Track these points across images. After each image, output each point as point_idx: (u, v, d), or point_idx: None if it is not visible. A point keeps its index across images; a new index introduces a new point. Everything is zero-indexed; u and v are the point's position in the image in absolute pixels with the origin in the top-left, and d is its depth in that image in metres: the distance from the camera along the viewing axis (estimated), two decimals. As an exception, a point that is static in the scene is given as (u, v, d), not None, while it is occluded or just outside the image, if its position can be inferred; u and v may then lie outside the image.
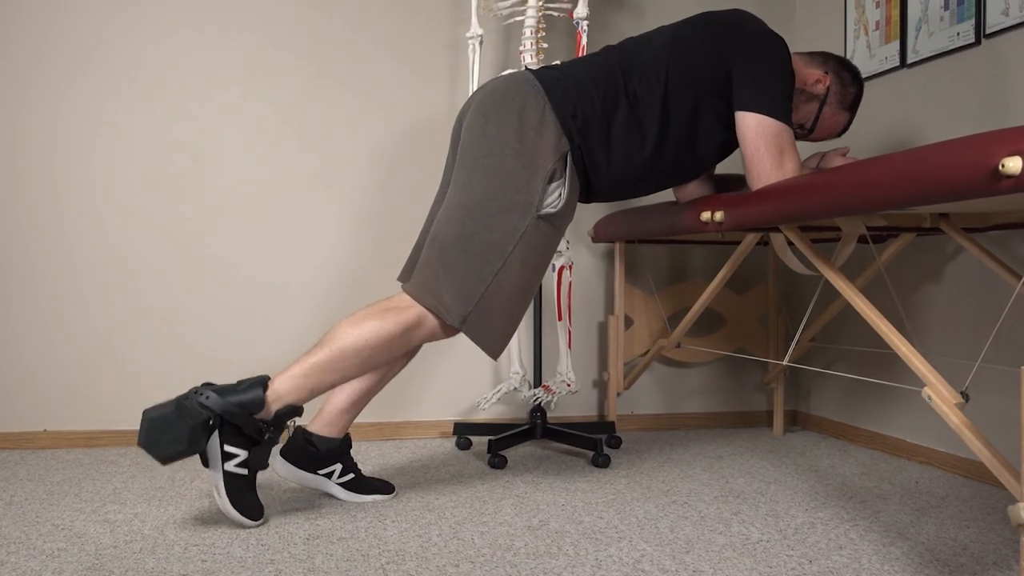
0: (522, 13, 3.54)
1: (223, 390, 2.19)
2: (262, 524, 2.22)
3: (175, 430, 2.12)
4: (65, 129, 3.18)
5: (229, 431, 2.18)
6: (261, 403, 2.19)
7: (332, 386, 2.29)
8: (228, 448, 2.18)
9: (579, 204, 3.56)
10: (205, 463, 2.20)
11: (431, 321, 2.30)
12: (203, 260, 3.27)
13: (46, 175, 3.17)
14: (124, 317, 3.22)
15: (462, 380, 3.50)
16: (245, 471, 2.21)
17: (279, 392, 2.23)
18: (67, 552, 2.00)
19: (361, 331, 2.25)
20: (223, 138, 3.30)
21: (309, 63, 3.37)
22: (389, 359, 2.32)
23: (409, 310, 2.28)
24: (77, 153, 3.19)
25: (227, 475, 2.18)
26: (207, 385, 2.20)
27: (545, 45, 3.06)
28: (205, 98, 3.29)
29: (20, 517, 2.29)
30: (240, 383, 2.22)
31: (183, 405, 2.14)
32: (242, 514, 2.19)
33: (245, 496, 2.21)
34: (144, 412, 2.14)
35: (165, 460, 2.12)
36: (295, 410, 2.25)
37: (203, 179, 3.28)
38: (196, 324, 3.27)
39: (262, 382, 2.22)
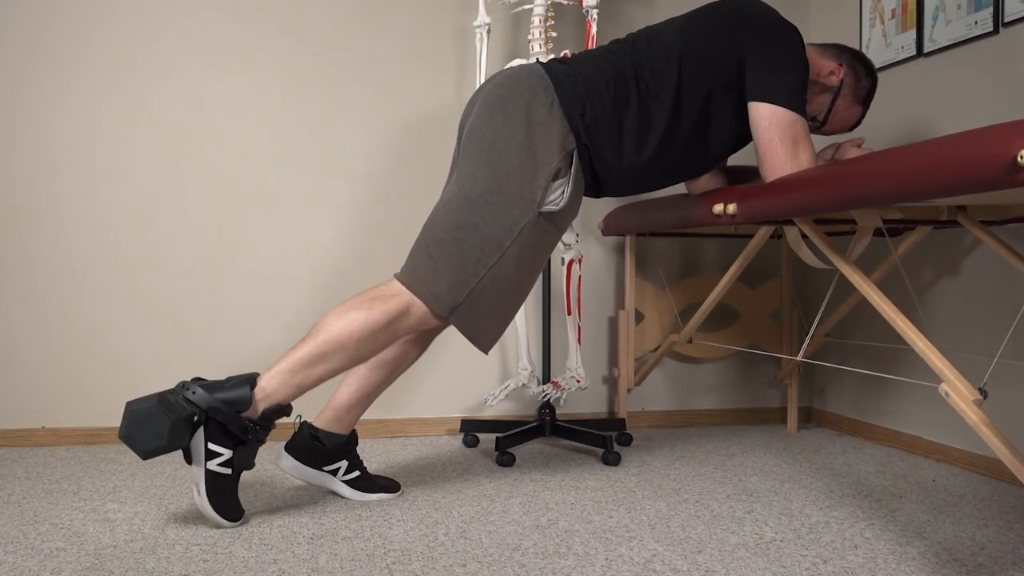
0: (530, 1, 3.50)
1: (210, 386, 2.16)
2: (240, 525, 2.19)
3: (156, 424, 2.08)
4: (63, 121, 3.16)
5: (214, 429, 2.15)
6: (248, 401, 2.16)
7: (320, 381, 2.25)
8: (212, 446, 2.15)
9: (589, 198, 3.53)
10: (188, 460, 2.17)
11: (419, 309, 2.27)
12: (204, 253, 3.25)
13: (44, 169, 3.14)
14: (124, 312, 3.20)
15: (469, 376, 3.46)
16: (229, 471, 2.18)
17: (266, 390, 2.20)
18: (66, 551, 1.98)
19: (346, 322, 2.22)
20: (225, 128, 3.27)
21: (312, 50, 3.34)
22: (377, 349, 2.29)
23: (396, 298, 2.26)
24: (75, 146, 3.16)
25: (209, 474, 2.16)
26: (196, 380, 2.18)
27: (554, 34, 3.02)
28: (206, 87, 3.26)
29: (18, 516, 2.27)
30: (228, 380, 2.19)
31: (167, 399, 2.11)
32: (220, 514, 2.16)
33: (225, 496, 2.18)
34: (127, 404, 2.12)
35: (145, 454, 2.09)
36: (283, 409, 2.23)
37: (204, 171, 3.25)
38: (197, 318, 3.25)
39: (250, 380, 2.19)
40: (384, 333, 2.25)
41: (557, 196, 2.29)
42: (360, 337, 2.22)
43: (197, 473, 2.16)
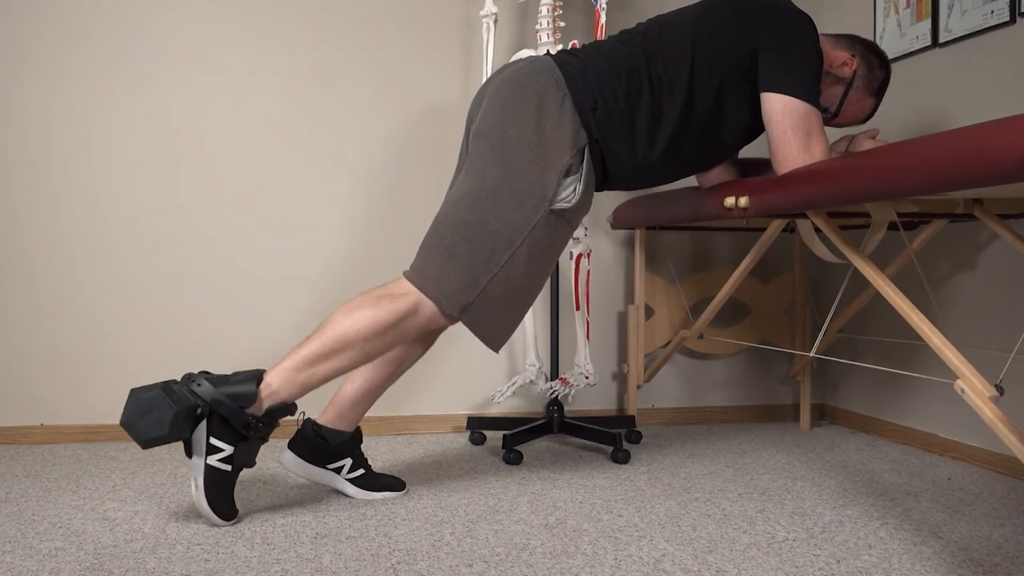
0: (539, -8, 3.48)
1: (216, 380, 2.15)
2: (234, 523, 2.17)
3: (159, 413, 2.07)
4: (59, 116, 3.13)
5: (217, 423, 2.14)
6: (253, 397, 2.14)
7: (326, 379, 2.23)
8: (214, 441, 2.14)
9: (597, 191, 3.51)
10: (188, 453, 2.16)
11: (428, 309, 2.25)
12: (205, 250, 3.22)
13: (41, 164, 3.12)
14: (124, 308, 3.18)
15: (476, 373, 3.44)
16: (228, 467, 2.17)
17: (272, 386, 2.18)
18: (65, 551, 1.97)
19: (353, 320, 2.20)
20: (226, 121, 3.24)
21: (315, 40, 3.31)
22: (384, 349, 2.26)
23: (405, 297, 2.23)
24: (73, 140, 3.14)
25: (208, 469, 2.14)
26: (202, 373, 2.17)
27: (562, 24, 2.99)
28: (207, 77, 3.23)
29: (16, 515, 2.25)
30: (235, 375, 2.18)
31: (171, 389, 2.10)
32: (216, 512, 2.14)
33: (223, 493, 2.17)
34: (132, 391, 2.10)
35: (145, 443, 2.07)
36: (288, 407, 2.21)
37: (205, 165, 3.23)
38: (198, 315, 3.23)
39: (256, 376, 2.17)
40: (392, 332, 2.23)
41: (569, 193, 2.27)
42: (367, 336, 2.20)
43: (196, 467, 2.14)
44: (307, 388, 2.21)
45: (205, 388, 2.12)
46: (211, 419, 2.13)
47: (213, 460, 2.14)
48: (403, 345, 2.42)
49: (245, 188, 3.25)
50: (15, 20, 3.10)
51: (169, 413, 2.06)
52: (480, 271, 2.21)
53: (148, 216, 3.19)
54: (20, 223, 3.11)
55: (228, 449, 2.15)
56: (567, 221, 2.29)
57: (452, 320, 2.28)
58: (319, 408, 3.21)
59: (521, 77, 2.30)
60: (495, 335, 2.29)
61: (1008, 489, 2.57)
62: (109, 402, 3.17)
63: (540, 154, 2.23)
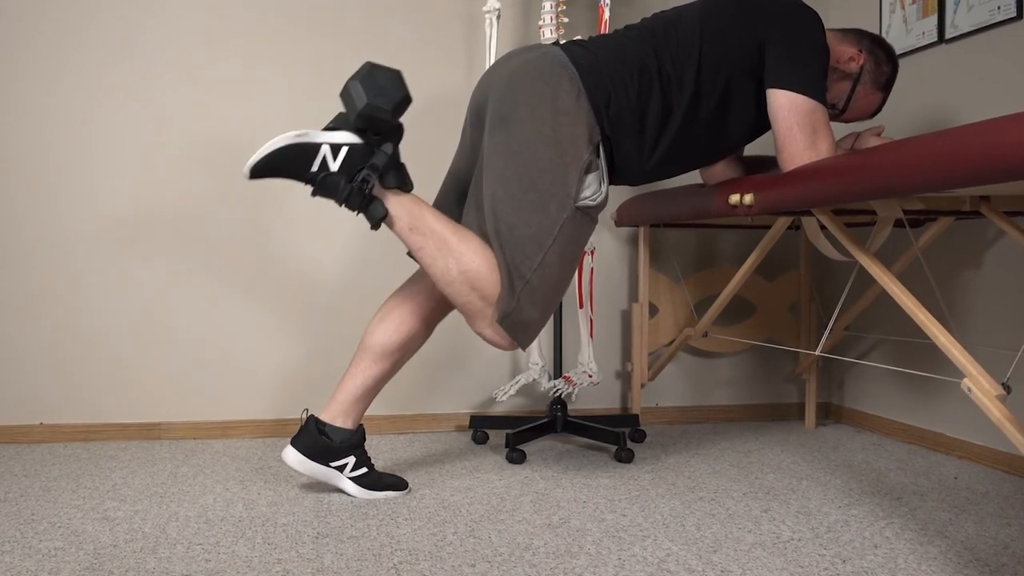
0: (542, -11, 3.46)
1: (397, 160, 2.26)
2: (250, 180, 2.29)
3: (397, 91, 2.19)
4: (59, 111, 3.12)
5: (364, 152, 2.22)
6: (390, 183, 2.24)
7: (415, 240, 2.25)
8: (345, 152, 2.21)
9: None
10: (339, 127, 2.24)
11: (490, 310, 2.25)
12: (203, 247, 3.21)
13: (40, 161, 3.11)
14: (122, 307, 3.17)
15: (479, 371, 3.43)
16: (314, 171, 2.19)
17: (391, 199, 2.25)
18: (64, 551, 1.96)
19: (475, 252, 2.23)
20: (226, 116, 3.23)
21: (317, 36, 3.30)
22: (447, 278, 2.24)
23: (497, 283, 2.24)
24: (72, 137, 3.13)
25: (312, 147, 2.19)
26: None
27: (566, 20, 2.98)
28: (207, 72, 3.22)
29: (15, 515, 2.25)
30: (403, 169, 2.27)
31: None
32: (266, 149, 2.17)
33: (285, 168, 2.20)
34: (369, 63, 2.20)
35: (373, 100, 2.16)
36: (378, 210, 2.24)
37: (205, 162, 3.22)
38: (198, 314, 3.21)
39: (408, 186, 2.27)
40: (467, 288, 2.23)
41: (594, 191, 2.27)
42: (459, 265, 2.22)
43: (313, 136, 2.19)
44: (405, 219, 2.25)
45: (389, 152, 2.23)
46: (361, 148, 2.21)
47: (325, 151, 2.18)
48: (404, 336, 2.43)
49: (245, 185, 3.24)
50: (13, 17, 3.09)
51: (397, 98, 2.18)
52: (515, 276, 2.21)
53: (147, 214, 3.17)
54: (19, 222, 3.10)
55: (334, 166, 2.19)
56: (591, 217, 2.30)
57: (499, 331, 2.27)
58: (321, 405, 3.20)
59: (533, 71, 2.28)
60: (527, 336, 2.28)
61: (1015, 488, 2.56)
62: (109, 401, 3.16)
63: (559, 151, 2.21)
